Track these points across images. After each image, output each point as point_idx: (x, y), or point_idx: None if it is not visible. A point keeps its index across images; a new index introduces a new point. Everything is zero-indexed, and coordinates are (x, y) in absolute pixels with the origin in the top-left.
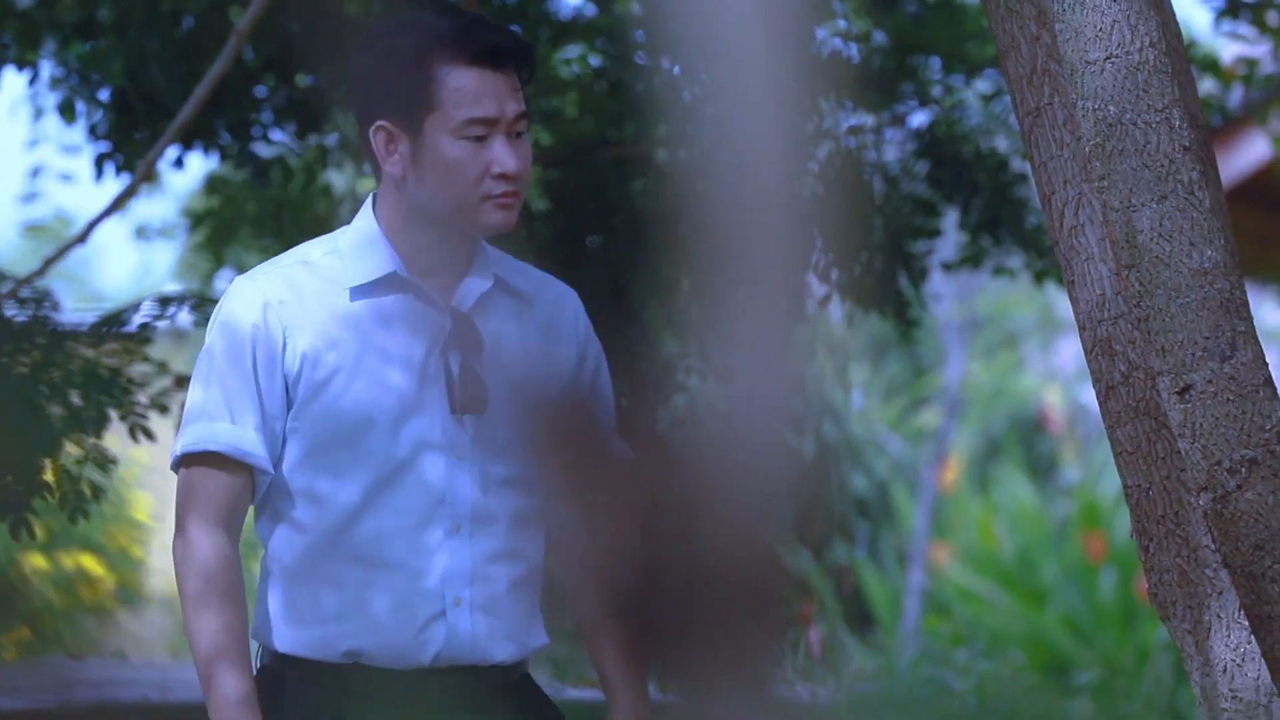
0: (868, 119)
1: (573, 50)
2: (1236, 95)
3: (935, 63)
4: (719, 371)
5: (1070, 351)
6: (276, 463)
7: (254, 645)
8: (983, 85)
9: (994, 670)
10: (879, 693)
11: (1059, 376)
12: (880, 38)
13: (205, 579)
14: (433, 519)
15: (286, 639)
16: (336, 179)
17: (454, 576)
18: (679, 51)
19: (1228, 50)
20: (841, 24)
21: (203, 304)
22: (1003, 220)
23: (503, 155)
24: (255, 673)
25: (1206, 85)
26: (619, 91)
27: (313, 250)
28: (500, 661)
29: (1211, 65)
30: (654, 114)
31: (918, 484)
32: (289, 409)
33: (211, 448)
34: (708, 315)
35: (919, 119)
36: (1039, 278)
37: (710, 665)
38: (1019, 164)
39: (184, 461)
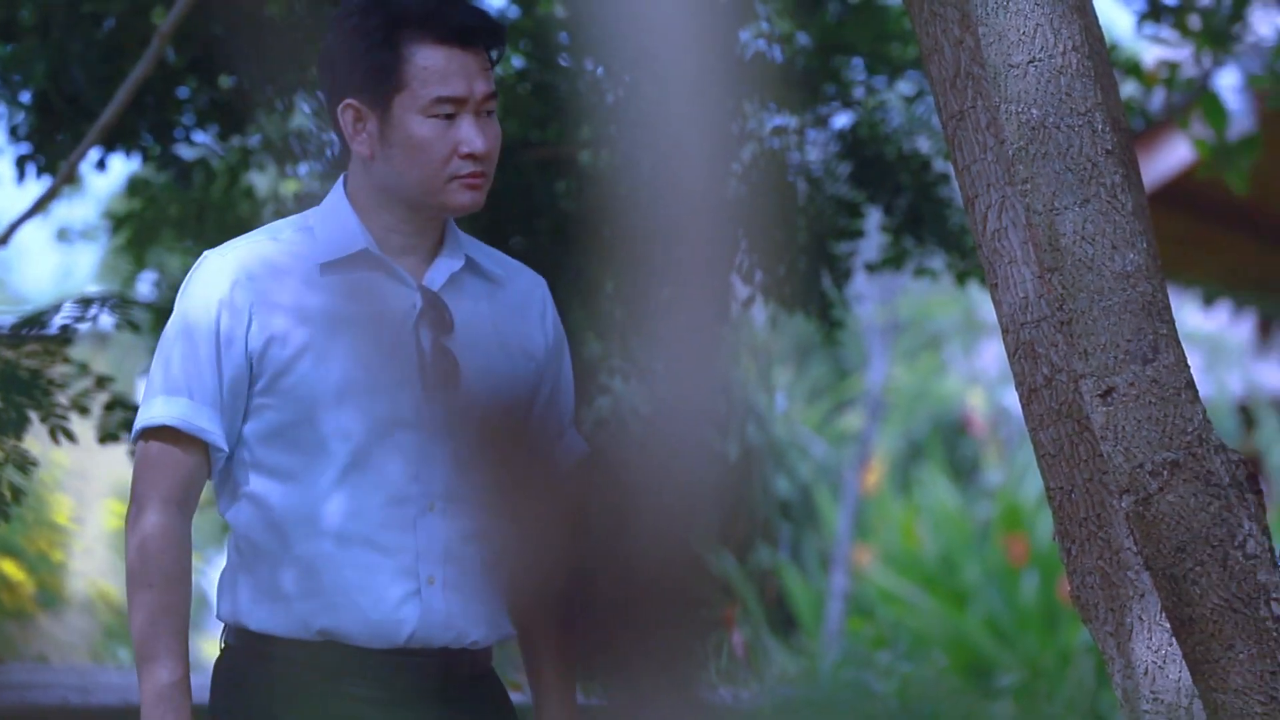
0: (791, 120)
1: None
2: (1158, 99)
3: (858, 64)
4: (643, 373)
5: (992, 354)
6: (234, 441)
7: (216, 627)
8: (905, 86)
9: (916, 672)
10: (802, 695)
11: (981, 379)
12: (803, 39)
13: (149, 556)
14: (406, 497)
15: (258, 618)
16: (259, 180)
17: (428, 555)
18: (603, 53)
19: (1150, 53)
20: (764, 25)
21: (124, 306)
22: (925, 221)
23: (471, 135)
24: (221, 651)
25: (1129, 89)
26: (543, 93)
27: (283, 227)
28: (474, 643)
29: (1133, 69)
30: (578, 116)
31: (840, 486)
32: (252, 386)
33: (168, 423)
34: (632, 317)
35: (842, 120)
36: (961, 278)
37: (636, 668)
38: (941, 165)
39: (142, 436)
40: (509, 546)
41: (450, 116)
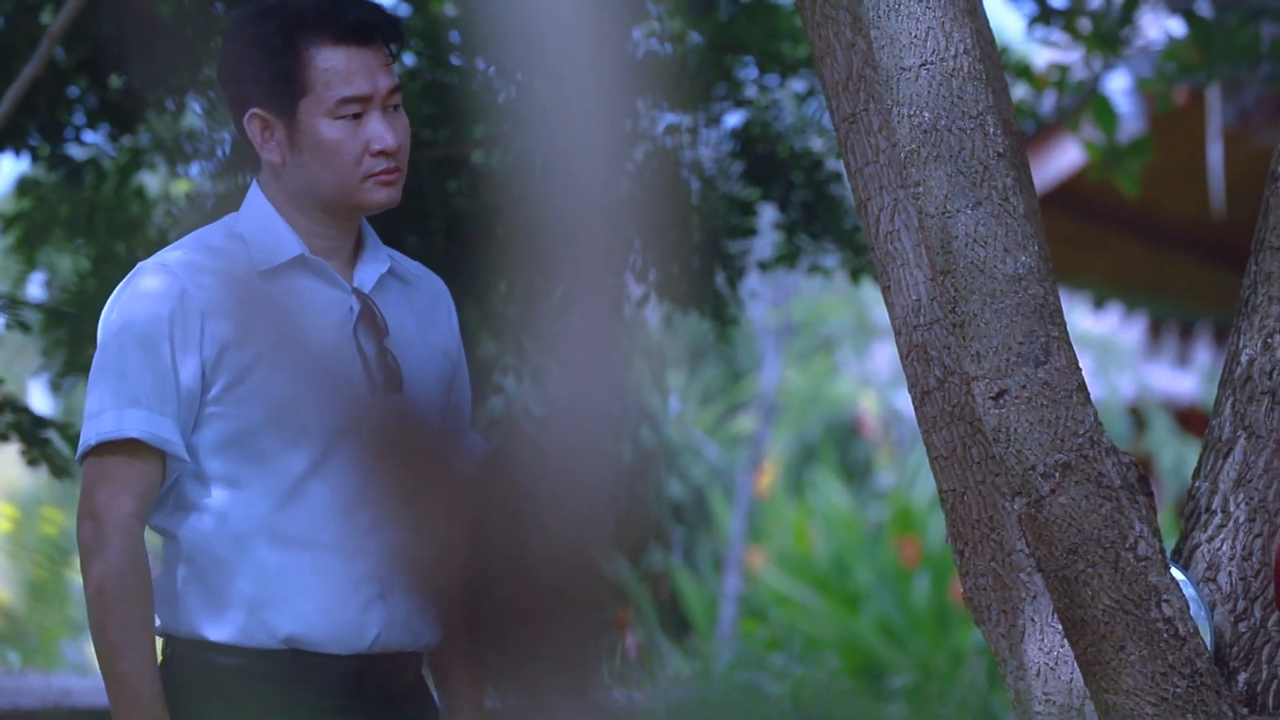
0: (683, 119)
1: None
2: (1049, 101)
3: (750, 63)
4: (537, 374)
5: (885, 357)
6: (189, 451)
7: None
8: (797, 85)
9: (809, 674)
10: (695, 697)
11: (874, 382)
12: (695, 38)
13: (124, 574)
14: (363, 501)
15: (216, 627)
16: (150, 180)
17: (387, 558)
18: (495, 52)
19: (1040, 56)
20: (656, 24)
21: (14, 306)
22: (819, 219)
23: (380, 131)
24: (166, 663)
25: (1019, 91)
26: (435, 93)
27: (211, 236)
28: (426, 645)
29: (1024, 71)
30: (471, 115)
31: (734, 489)
32: (204, 395)
33: (131, 434)
34: (526, 317)
35: (734, 119)
36: (855, 275)
37: (532, 671)
38: (834, 163)
39: (98, 450)
40: (419, 550)
41: (358, 116)
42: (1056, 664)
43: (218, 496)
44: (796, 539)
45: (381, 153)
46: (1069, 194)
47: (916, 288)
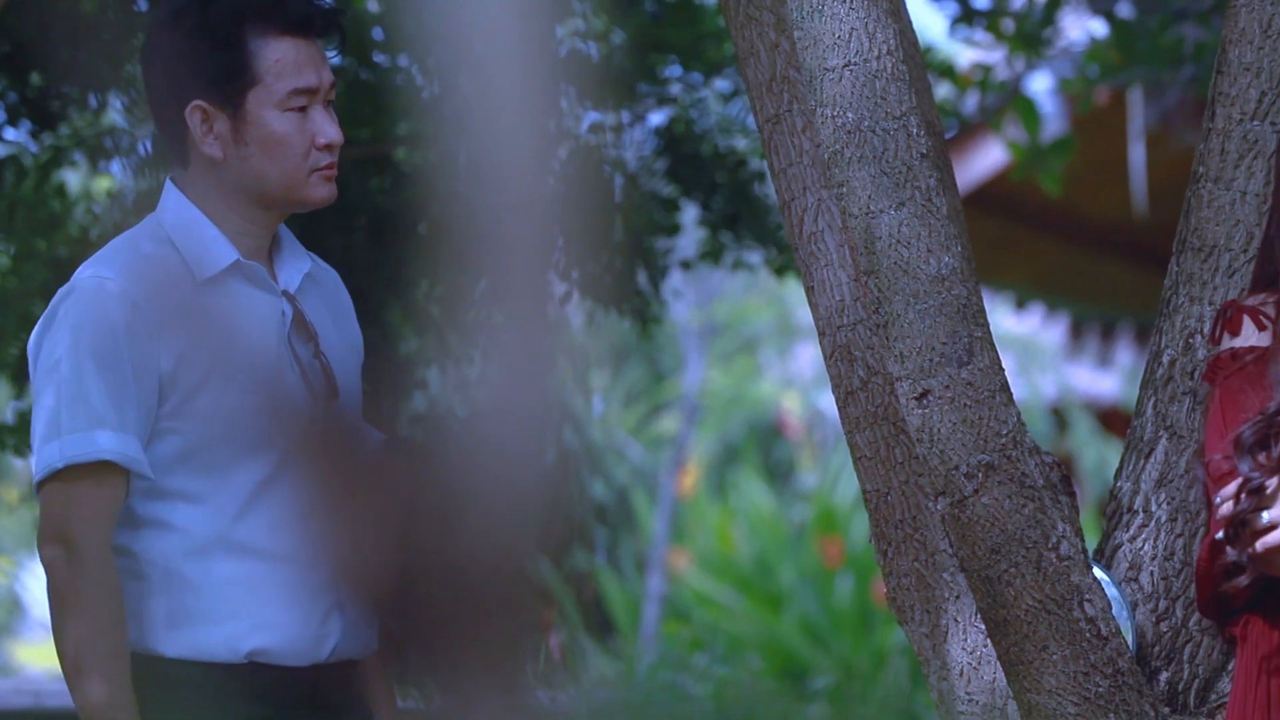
0: (607, 117)
1: None
2: (972, 102)
3: (674, 62)
4: (459, 372)
5: (808, 357)
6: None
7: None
8: (721, 84)
9: (732, 675)
10: (618, 698)
11: (797, 382)
12: (620, 36)
13: (105, 601)
14: (312, 509)
15: (175, 643)
16: (71, 178)
17: (329, 565)
18: (418, 50)
19: (963, 57)
20: (581, 23)
21: None
22: (742, 217)
23: (325, 125)
24: None
25: (942, 91)
26: (358, 90)
27: (141, 242)
28: (372, 652)
29: (947, 72)
30: (394, 113)
31: (657, 490)
32: (159, 409)
33: (102, 457)
34: (448, 315)
35: (658, 117)
36: (780, 272)
37: (456, 672)
38: (757, 162)
39: (64, 474)
40: (355, 556)
41: (303, 109)
42: (979, 664)
43: (175, 511)
44: (719, 540)
45: (326, 146)
46: (992, 194)
47: (840, 288)
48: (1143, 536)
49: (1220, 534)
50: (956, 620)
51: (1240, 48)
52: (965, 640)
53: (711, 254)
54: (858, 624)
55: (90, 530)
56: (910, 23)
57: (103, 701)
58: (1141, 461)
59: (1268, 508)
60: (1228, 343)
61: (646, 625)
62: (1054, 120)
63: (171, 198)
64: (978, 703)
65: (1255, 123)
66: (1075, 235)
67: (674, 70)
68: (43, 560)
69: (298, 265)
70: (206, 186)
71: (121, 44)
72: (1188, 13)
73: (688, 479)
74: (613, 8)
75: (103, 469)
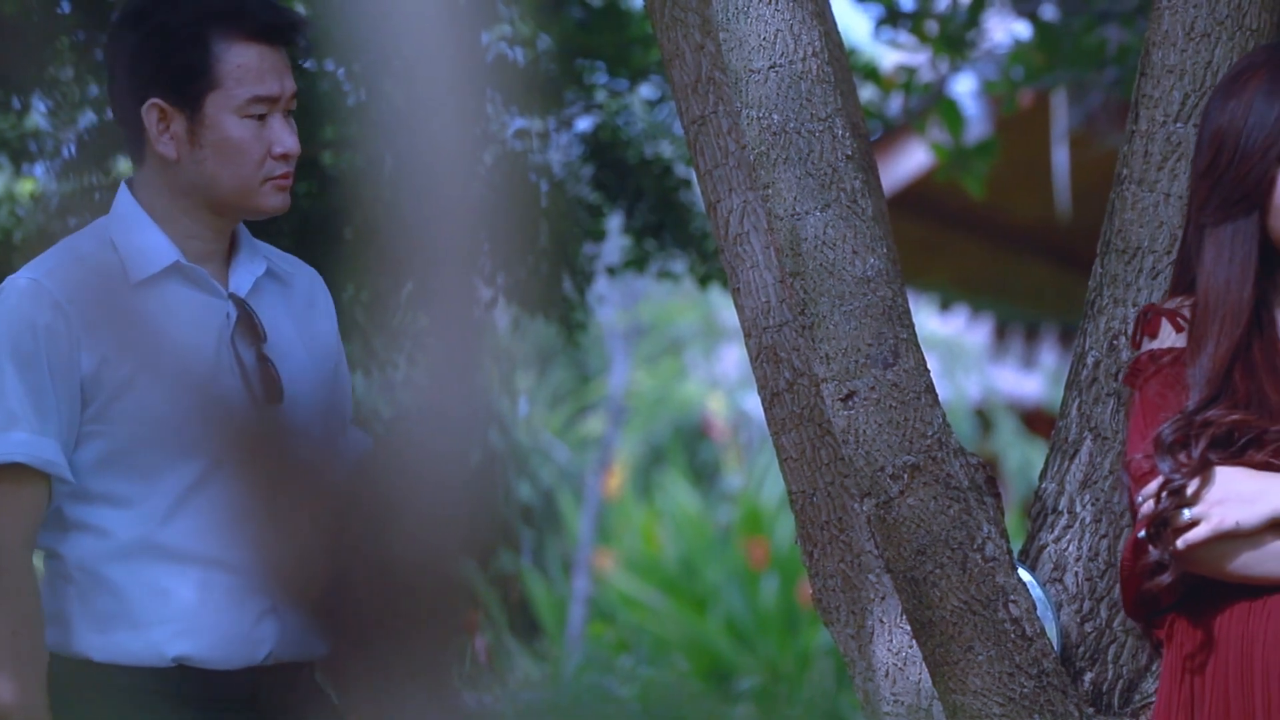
0: (533, 123)
1: None
2: (896, 104)
3: (600, 68)
4: (386, 376)
5: (733, 359)
6: (71, 469)
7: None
8: (647, 90)
9: (657, 676)
10: (544, 700)
11: (722, 384)
12: (546, 42)
13: (24, 605)
14: (243, 514)
15: (100, 647)
16: None
17: (259, 568)
18: (345, 55)
19: (887, 59)
20: (507, 28)
21: None
22: (666, 224)
23: (283, 135)
24: (49, 683)
25: (866, 93)
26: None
27: (81, 243)
28: (321, 654)
29: (871, 74)
30: (320, 117)
31: (583, 491)
32: (82, 412)
33: (16, 459)
34: (375, 319)
35: (584, 123)
36: (704, 281)
37: (384, 674)
38: (683, 170)
39: None
40: (286, 560)
41: (262, 117)
42: (905, 664)
43: (101, 515)
44: (645, 541)
45: (283, 156)
46: (916, 196)
47: (766, 290)
48: (1067, 537)
49: (1142, 533)
50: (882, 621)
51: (1164, 50)
52: (890, 641)
53: (636, 262)
54: (783, 625)
55: (10, 540)
56: (835, 24)
57: (12, 703)
58: (1066, 463)
59: (1188, 506)
60: (1147, 345)
61: (572, 627)
62: (978, 122)
63: (122, 199)
64: (903, 703)
65: (1178, 125)
66: (999, 237)
67: (600, 76)
68: None
69: (251, 269)
70: (159, 187)
71: (45, 46)
72: (1111, 15)
73: (613, 480)
74: (539, 13)
75: (17, 472)
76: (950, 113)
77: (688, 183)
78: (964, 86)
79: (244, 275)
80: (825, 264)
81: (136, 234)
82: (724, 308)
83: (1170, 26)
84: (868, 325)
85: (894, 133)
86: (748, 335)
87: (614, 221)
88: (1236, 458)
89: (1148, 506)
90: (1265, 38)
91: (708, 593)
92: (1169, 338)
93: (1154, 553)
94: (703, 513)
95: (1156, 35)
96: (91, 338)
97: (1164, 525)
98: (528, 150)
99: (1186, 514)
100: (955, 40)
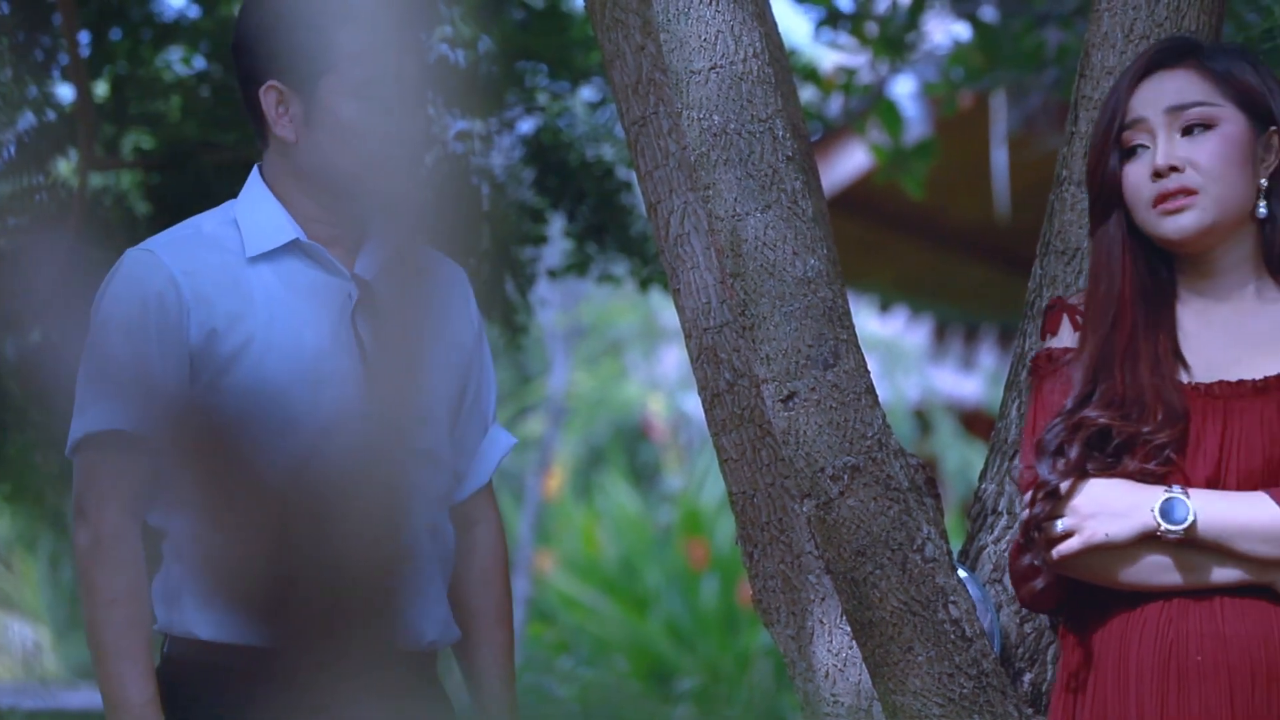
0: (475, 125)
1: (176, 53)
2: (836, 105)
3: (542, 70)
4: None
5: (673, 360)
6: None
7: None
8: (588, 93)
9: (597, 677)
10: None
11: (662, 385)
12: (487, 44)
13: (122, 574)
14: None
15: (209, 626)
16: None
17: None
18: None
19: (827, 60)
20: (449, 30)
21: None
22: (608, 228)
23: None
24: (163, 664)
25: (806, 94)
26: (224, 95)
27: (205, 222)
28: (432, 642)
29: (811, 75)
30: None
31: (522, 492)
32: (192, 384)
33: (115, 427)
34: None
35: (526, 126)
36: (644, 284)
37: (327, 673)
38: (624, 172)
39: (85, 445)
40: (232, 551)
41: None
42: (845, 665)
43: None
44: (585, 542)
45: None
46: (856, 197)
47: (706, 290)
48: (1007, 538)
49: (1020, 538)
50: (822, 622)
51: (1103, 51)
52: (831, 642)
53: (577, 266)
54: (723, 626)
55: (108, 504)
56: (776, 25)
57: (113, 674)
58: (1005, 463)
59: (1060, 517)
60: (1048, 343)
61: None
62: (917, 124)
63: (250, 181)
64: (843, 704)
65: None
66: (939, 238)
67: (542, 79)
68: (73, 537)
69: (381, 252)
70: (281, 169)
71: None
72: (1051, 16)
73: (553, 481)
74: (481, 15)
75: (120, 440)
76: (890, 114)
77: (629, 185)
78: (904, 88)
79: (372, 258)
80: (766, 265)
81: (259, 211)
82: (664, 309)
83: (1110, 28)
84: (808, 326)
85: (834, 134)
86: (688, 336)
87: (555, 224)
88: (1112, 462)
89: (1024, 514)
90: (1204, 39)
91: (648, 593)
92: (1066, 336)
93: (1027, 558)
94: (643, 514)
95: (1096, 37)
96: (203, 309)
97: (1039, 531)
98: (469, 153)
99: (1060, 525)
100: (895, 42)
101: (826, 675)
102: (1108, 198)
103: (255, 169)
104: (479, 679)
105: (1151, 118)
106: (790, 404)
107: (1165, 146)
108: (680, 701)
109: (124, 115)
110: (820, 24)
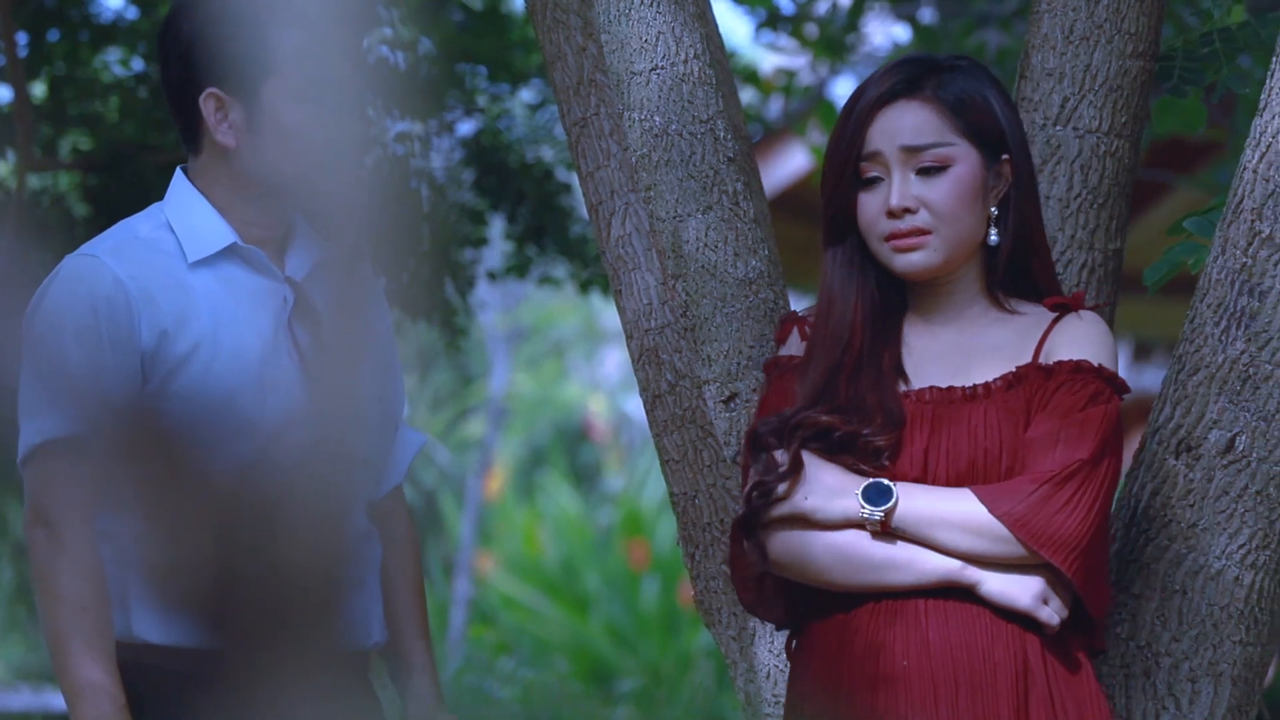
0: (415, 126)
1: (114, 54)
2: (776, 106)
3: (482, 72)
4: None
5: (614, 361)
6: None
7: None
8: (528, 95)
9: (538, 679)
10: None
11: (603, 386)
12: (427, 45)
13: (90, 581)
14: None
15: (161, 630)
16: None
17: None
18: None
19: (767, 61)
20: (388, 31)
21: None
22: (548, 230)
23: None
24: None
25: (747, 96)
26: (162, 96)
27: (139, 226)
28: (376, 643)
29: (751, 76)
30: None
31: (464, 493)
32: (143, 387)
33: (73, 431)
34: None
35: (466, 127)
36: (584, 287)
37: (271, 675)
38: (564, 174)
39: (41, 452)
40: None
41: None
42: (786, 666)
43: None
44: (526, 543)
45: None
46: (796, 198)
47: (648, 292)
48: None
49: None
50: (763, 623)
51: (1043, 53)
52: (772, 643)
53: (518, 268)
54: (664, 627)
55: (67, 509)
56: (716, 27)
57: (82, 683)
58: None
59: (777, 501)
60: (777, 351)
61: (453, 629)
62: None
63: (177, 185)
64: (784, 705)
65: (1058, 128)
66: None
67: (482, 80)
68: (28, 542)
69: (308, 253)
70: (215, 175)
71: None
72: (990, 18)
73: (494, 482)
74: (420, 17)
75: (78, 445)
76: (830, 115)
77: (569, 187)
78: (844, 89)
79: (301, 259)
80: (707, 266)
81: (193, 216)
82: (605, 310)
83: (1050, 30)
84: (750, 327)
85: (774, 135)
86: (629, 337)
87: (496, 226)
88: (830, 456)
89: (739, 510)
90: (1143, 41)
91: (588, 595)
92: (794, 345)
93: (746, 547)
94: (583, 515)
95: (1036, 38)
96: (151, 313)
97: (754, 521)
98: (409, 154)
99: (776, 492)
100: (835, 43)
101: (768, 676)
102: (842, 223)
103: (179, 172)
104: (406, 671)
105: (887, 152)
106: (732, 405)
107: (900, 187)
108: (621, 702)
109: (62, 116)
110: (760, 25)
